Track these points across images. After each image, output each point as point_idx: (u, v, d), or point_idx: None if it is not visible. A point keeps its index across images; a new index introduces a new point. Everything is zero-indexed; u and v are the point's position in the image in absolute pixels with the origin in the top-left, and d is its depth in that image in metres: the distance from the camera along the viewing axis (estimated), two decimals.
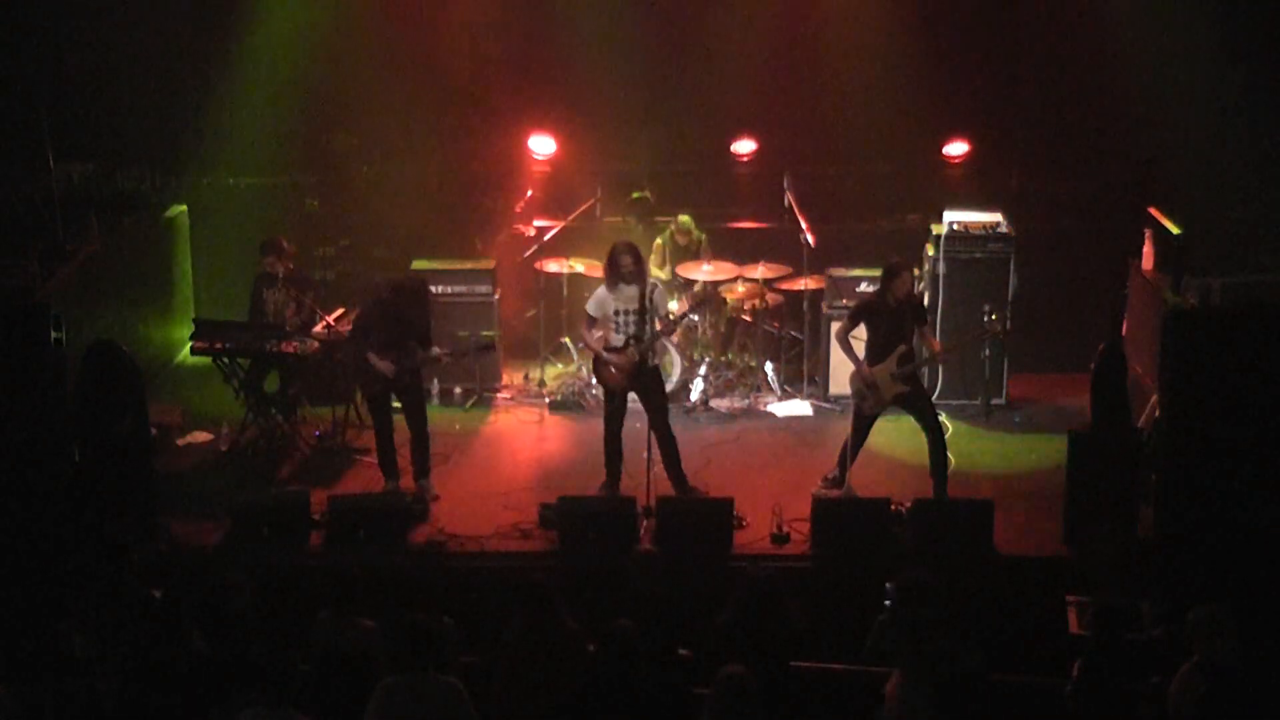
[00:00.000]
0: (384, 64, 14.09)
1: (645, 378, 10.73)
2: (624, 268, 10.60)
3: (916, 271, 12.82)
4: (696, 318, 12.74)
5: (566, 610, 8.12)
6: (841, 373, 11.98)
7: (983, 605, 9.45)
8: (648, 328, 10.59)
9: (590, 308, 10.90)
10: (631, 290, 10.61)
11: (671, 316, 10.96)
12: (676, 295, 12.67)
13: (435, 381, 12.64)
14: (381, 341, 10.72)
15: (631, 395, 10.82)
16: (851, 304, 12.19)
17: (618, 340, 10.72)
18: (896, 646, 7.66)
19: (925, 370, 12.07)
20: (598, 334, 10.90)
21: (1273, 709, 7.67)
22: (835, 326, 11.81)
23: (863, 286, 12.67)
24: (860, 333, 10.82)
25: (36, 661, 8.39)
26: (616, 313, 10.72)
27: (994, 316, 11.86)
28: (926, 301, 12.73)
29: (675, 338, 12.39)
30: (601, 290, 10.85)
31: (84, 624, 8.49)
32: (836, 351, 12.44)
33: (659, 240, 13.20)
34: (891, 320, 10.66)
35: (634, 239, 12.44)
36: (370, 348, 10.72)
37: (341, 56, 14.05)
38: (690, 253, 13.12)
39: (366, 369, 10.79)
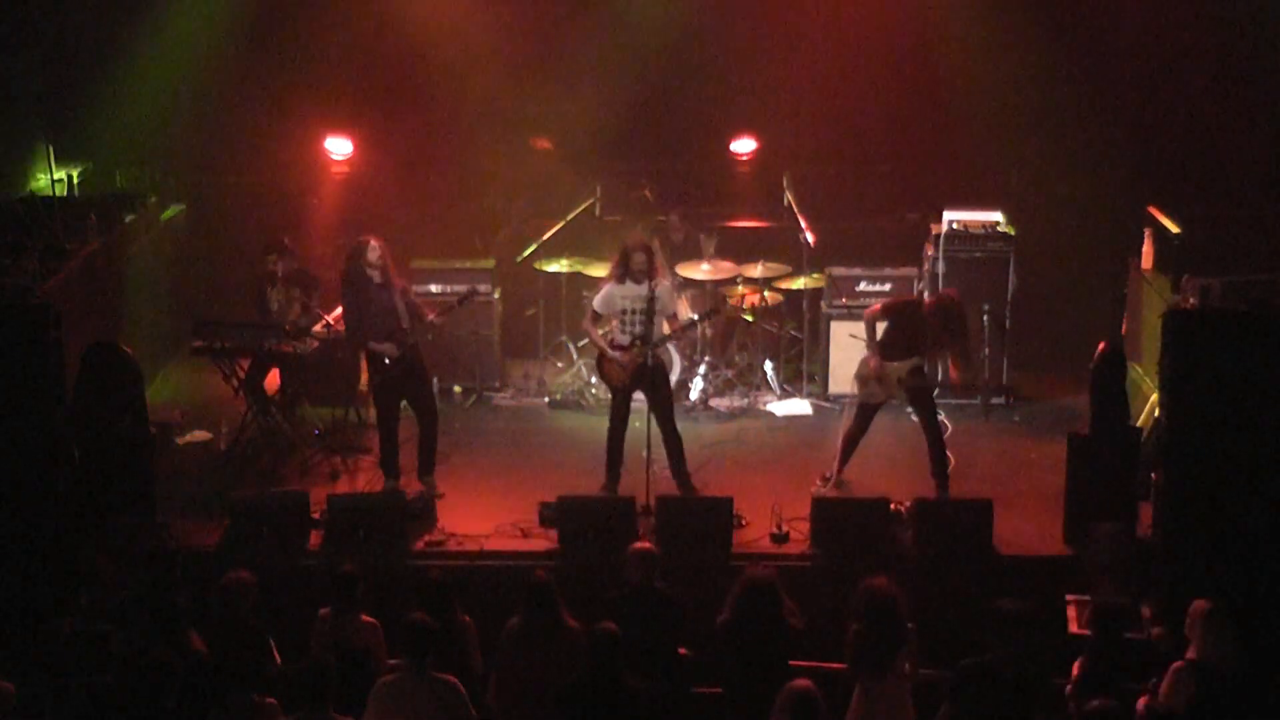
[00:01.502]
0: (383, 64, 14.09)
1: (651, 376, 10.64)
2: (635, 265, 10.54)
3: (916, 271, 12.86)
4: (696, 317, 12.72)
5: (566, 609, 8.12)
6: (841, 372, 12.00)
7: (983, 605, 9.45)
8: (654, 328, 10.54)
9: (596, 303, 10.84)
10: (640, 289, 10.53)
11: (681, 319, 10.78)
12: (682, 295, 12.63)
13: (435, 380, 12.61)
14: (375, 326, 10.72)
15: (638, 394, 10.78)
16: (850, 302, 12.22)
17: (623, 339, 10.68)
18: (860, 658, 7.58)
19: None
20: (602, 331, 10.85)
21: (1265, 708, 7.68)
22: (835, 326, 11.82)
23: (862, 286, 12.68)
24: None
25: (36, 660, 8.43)
26: (623, 311, 10.67)
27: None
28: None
29: None
30: (610, 286, 10.78)
31: (120, 622, 8.51)
32: (836, 350, 12.51)
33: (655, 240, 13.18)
34: (920, 329, 10.60)
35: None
36: (368, 336, 10.73)
37: (341, 57, 14.05)
38: (687, 251, 13.10)
39: (374, 360, 10.79)
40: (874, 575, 7.93)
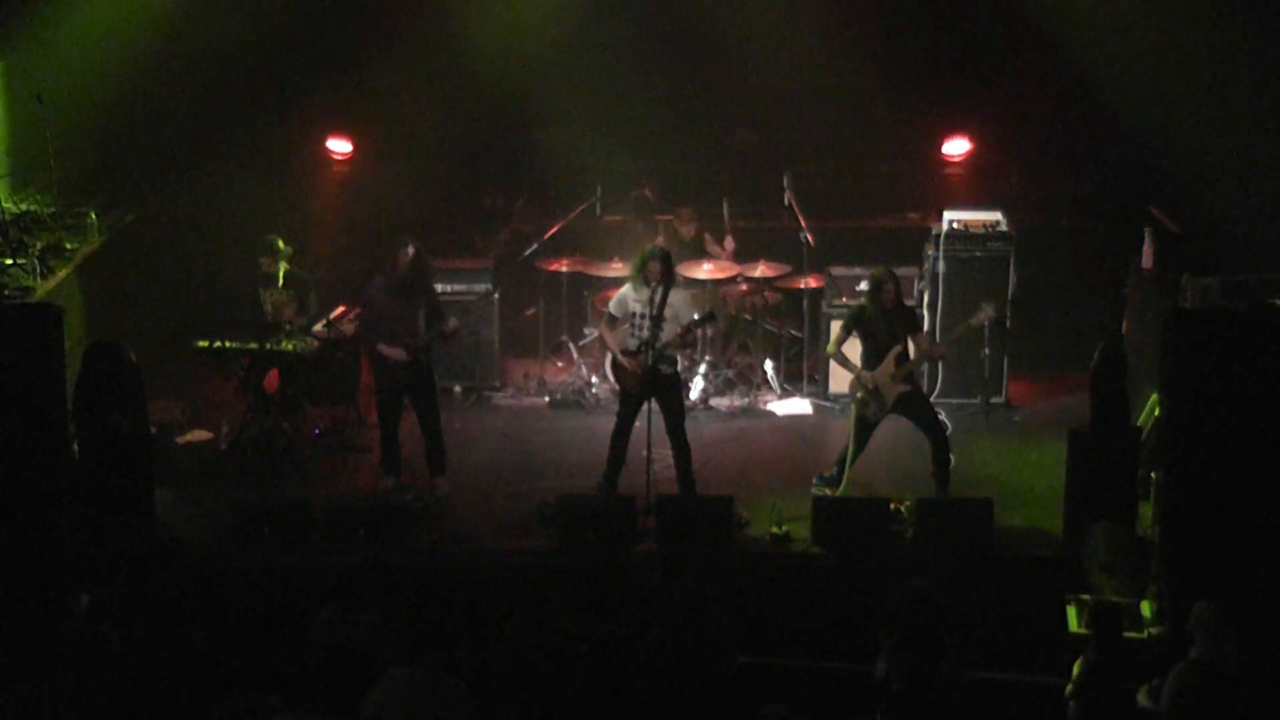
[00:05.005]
0: (384, 63, 14.09)
1: (662, 384, 10.60)
2: (650, 273, 10.50)
3: (916, 270, 12.85)
4: (697, 317, 12.69)
5: (559, 610, 8.12)
6: (842, 371, 11.98)
7: (983, 605, 9.46)
8: (662, 334, 10.50)
9: (612, 306, 10.85)
10: (651, 294, 10.51)
11: (693, 321, 10.71)
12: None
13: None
14: (391, 329, 10.72)
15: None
16: (850, 304, 12.20)
17: (631, 344, 10.65)
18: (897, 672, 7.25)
19: (925, 370, 12.09)
20: (617, 334, 10.80)
21: (1267, 708, 7.68)
22: (835, 328, 11.81)
23: (862, 285, 12.65)
24: (853, 345, 10.84)
25: (36, 661, 8.43)
26: (633, 315, 10.65)
27: (985, 304, 11.77)
28: (926, 300, 12.74)
29: None
30: (625, 289, 10.80)
31: (96, 620, 8.50)
32: None
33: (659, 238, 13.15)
34: (883, 326, 10.67)
35: (633, 237, 12.47)
36: (380, 337, 10.72)
37: (340, 56, 14.05)
38: (696, 247, 13.06)
39: (381, 361, 10.77)
40: (912, 579, 7.72)
